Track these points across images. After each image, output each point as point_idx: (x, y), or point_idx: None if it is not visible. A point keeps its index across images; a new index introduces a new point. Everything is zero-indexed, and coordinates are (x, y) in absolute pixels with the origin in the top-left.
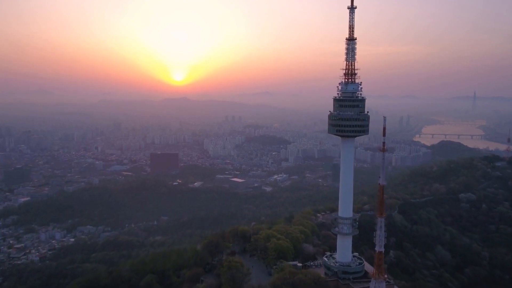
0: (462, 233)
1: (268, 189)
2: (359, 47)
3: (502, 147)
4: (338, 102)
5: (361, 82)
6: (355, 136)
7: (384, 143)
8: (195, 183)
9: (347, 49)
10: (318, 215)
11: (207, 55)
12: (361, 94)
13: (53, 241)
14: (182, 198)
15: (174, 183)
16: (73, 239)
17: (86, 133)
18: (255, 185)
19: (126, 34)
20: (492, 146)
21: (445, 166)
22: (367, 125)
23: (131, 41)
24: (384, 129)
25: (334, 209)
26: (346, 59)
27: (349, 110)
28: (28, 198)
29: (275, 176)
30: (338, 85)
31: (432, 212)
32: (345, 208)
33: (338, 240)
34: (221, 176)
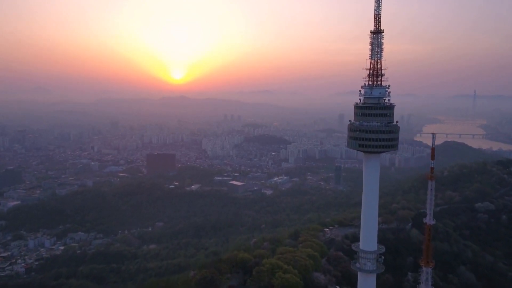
0: (483, 248)
1: (268, 192)
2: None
3: (505, 147)
4: (361, 109)
5: (389, 85)
6: (382, 152)
7: (432, 168)
8: (193, 186)
9: (372, 44)
10: (326, 229)
11: (206, 53)
12: (389, 99)
13: (42, 250)
14: (179, 202)
15: (171, 186)
16: (62, 247)
17: (83, 132)
18: (255, 188)
19: (125, 32)
20: (495, 146)
21: (457, 171)
22: (397, 138)
23: (130, 39)
24: (433, 150)
25: (342, 222)
26: (371, 57)
27: (374, 119)
28: (18, 202)
29: (275, 178)
30: (360, 89)
31: (449, 225)
32: (369, 240)
33: (359, 278)
34: (220, 178)
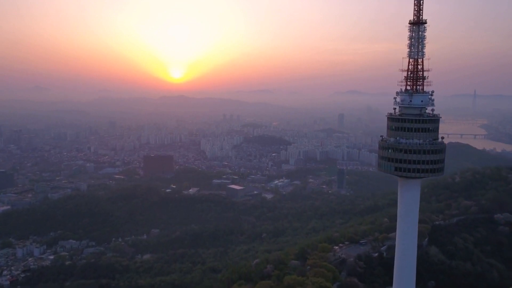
0: (508, 267)
1: (269, 196)
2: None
3: (508, 147)
4: (397, 122)
5: (432, 91)
6: (424, 177)
7: None
8: (190, 190)
9: (411, 38)
10: (335, 247)
11: (205, 52)
12: (433, 109)
13: (30, 259)
14: (176, 207)
15: (168, 190)
16: (52, 257)
17: (80, 132)
18: (255, 192)
19: (124, 32)
20: (498, 147)
21: (470, 177)
22: (443, 160)
23: (129, 38)
24: None
25: (353, 238)
26: (409, 55)
27: (415, 135)
28: (9, 207)
29: (276, 181)
30: (395, 96)
31: (469, 240)
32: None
33: None
34: (218, 181)
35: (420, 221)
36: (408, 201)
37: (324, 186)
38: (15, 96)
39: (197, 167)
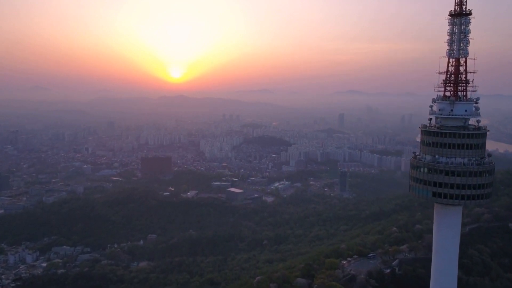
0: None
1: (269, 199)
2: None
3: (510, 147)
4: (434, 137)
5: (477, 99)
6: (467, 205)
7: None
8: (189, 193)
9: (452, 33)
10: (343, 262)
11: (205, 52)
12: (478, 121)
13: (22, 267)
14: (174, 212)
15: (165, 193)
16: (45, 264)
17: (78, 132)
18: (255, 195)
19: (124, 31)
20: (500, 147)
21: None
22: (492, 183)
23: (129, 38)
24: None
25: (362, 252)
26: (449, 53)
27: (458, 153)
28: (2, 211)
29: (276, 184)
30: (431, 104)
31: (484, 252)
32: None
33: None
34: (218, 183)
35: (430, 230)
36: (447, 232)
37: (325, 189)
38: (14, 96)
39: (196, 169)
